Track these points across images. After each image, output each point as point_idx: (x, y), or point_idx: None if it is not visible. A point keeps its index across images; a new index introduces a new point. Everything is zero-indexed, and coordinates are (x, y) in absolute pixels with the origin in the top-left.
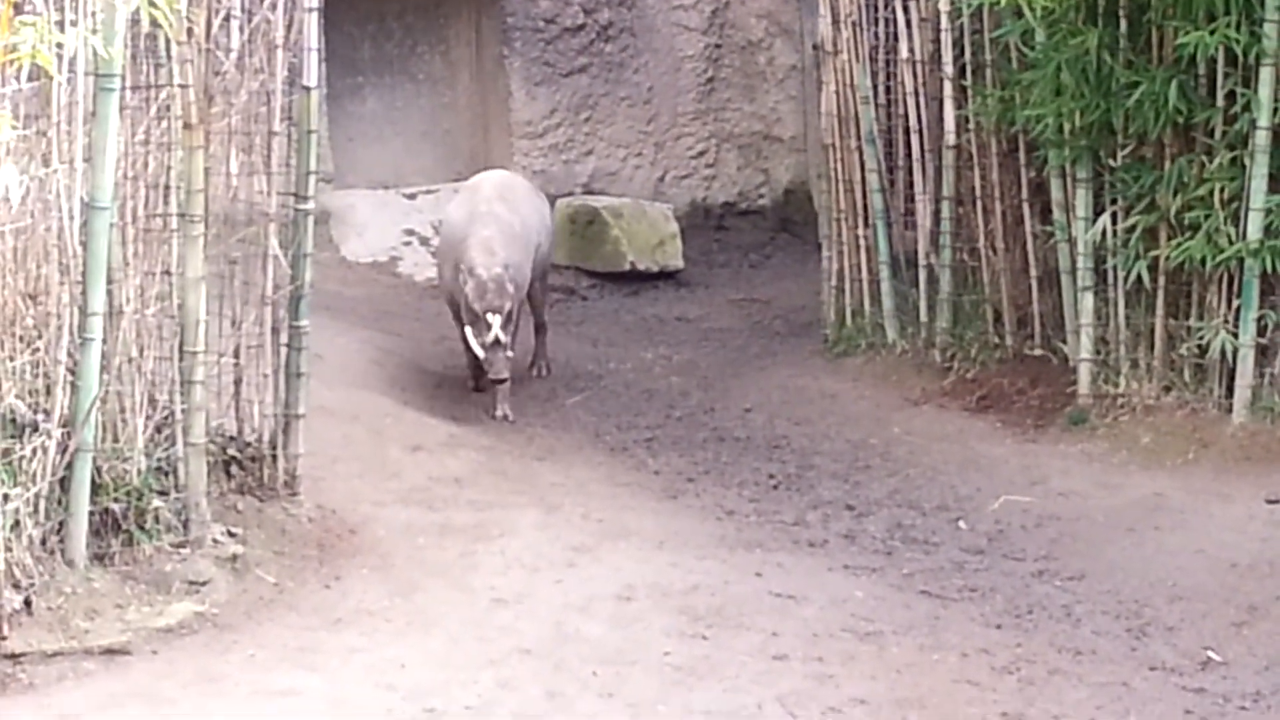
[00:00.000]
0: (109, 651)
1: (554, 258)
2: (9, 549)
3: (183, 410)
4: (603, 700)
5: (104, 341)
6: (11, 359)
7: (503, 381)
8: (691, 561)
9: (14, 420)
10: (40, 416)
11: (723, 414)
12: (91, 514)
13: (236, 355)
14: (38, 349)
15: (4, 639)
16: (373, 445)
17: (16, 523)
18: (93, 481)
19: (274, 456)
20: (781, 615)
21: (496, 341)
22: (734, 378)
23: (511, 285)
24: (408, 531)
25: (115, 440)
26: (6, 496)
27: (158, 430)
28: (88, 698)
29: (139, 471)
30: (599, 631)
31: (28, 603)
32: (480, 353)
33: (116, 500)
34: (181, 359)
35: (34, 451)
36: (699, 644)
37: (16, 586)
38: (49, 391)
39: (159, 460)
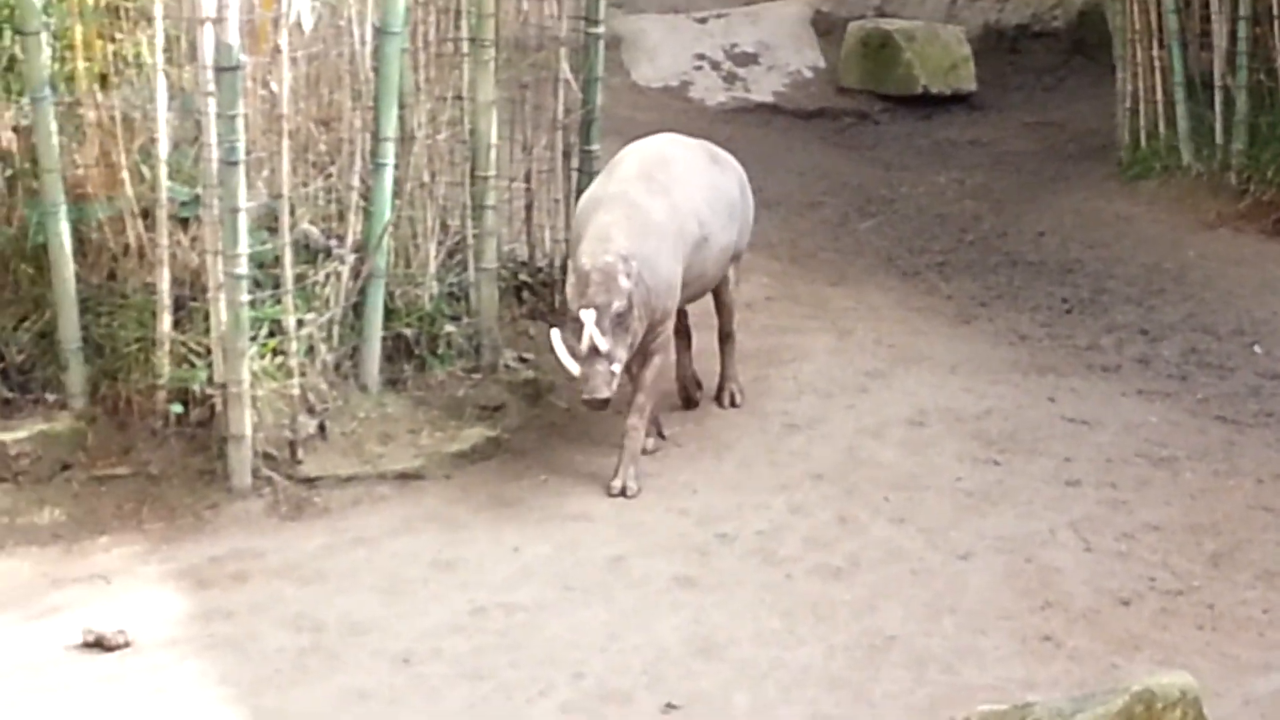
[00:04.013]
0: (402, 476)
1: (848, 86)
2: (303, 374)
3: (474, 235)
4: (895, 525)
5: (396, 167)
6: (305, 185)
7: (599, 404)
8: (984, 386)
9: (308, 246)
10: (334, 242)
11: (1016, 238)
12: (384, 339)
13: (528, 180)
14: (331, 175)
15: (299, 463)
16: None
17: (311, 348)
18: (385, 307)
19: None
20: (1074, 440)
21: (593, 350)
22: (1027, 201)
23: (627, 280)
24: (699, 357)
25: (407, 266)
26: (301, 322)
27: (449, 256)
28: (382, 522)
29: (431, 297)
30: (891, 456)
31: (322, 428)
32: (572, 367)
33: (409, 326)
34: (473, 184)
35: (327, 277)
36: (991, 469)
37: (311, 411)
38: (342, 217)
39: (451, 286)
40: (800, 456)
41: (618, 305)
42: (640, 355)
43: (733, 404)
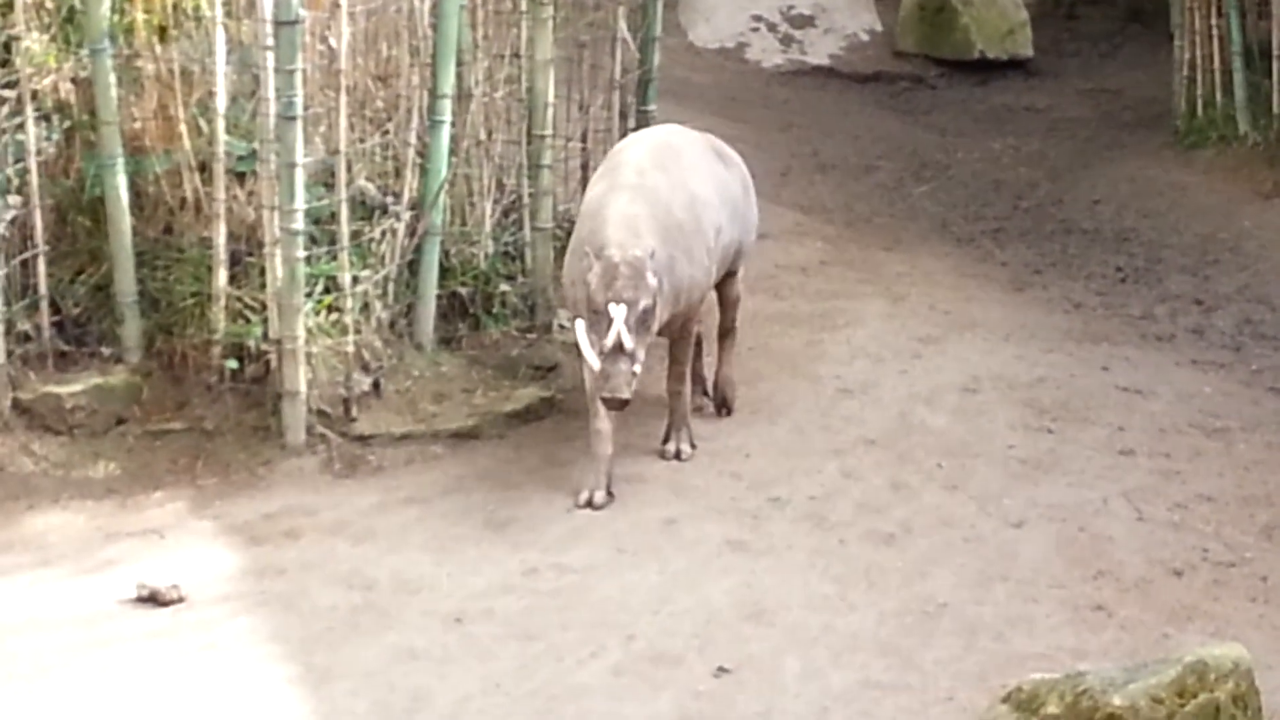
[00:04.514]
0: (456, 435)
1: (905, 49)
2: (358, 331)
3: (530, 194)
4: (946, 492)
5: (453, 124)
6: (362, 141)
7: (619, 404)
8: (1037, 354)
9: (364, 202)
10: (389, 199)
11: (1071, 205)
12: (439, 298)
13: (584, 139)
14: (387, 131)
15: (354, 420)
16: None
17: (366, 305)
18: (440, 265)
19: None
20: (1128, 410)
21: (619, 347)
22: (1082, 169)
23: (654, 277)
24: (754, 320)
25: (463, 224)
26: (356, 279)
27: (505, 214)
28: (435, 481)
29: (486, 256)
30: (943, 423)
31: (376, 385)
32: (594, 361)
33: (464, 284)
34: (529, 143)
35: (383, 234)
36: (1044, 437)
37: (365, 369)
38: (398, 174)
39: (506, 245)
40: (853, 422)
41: (645, 302)
42: (674, 333)
43: (726, 406)
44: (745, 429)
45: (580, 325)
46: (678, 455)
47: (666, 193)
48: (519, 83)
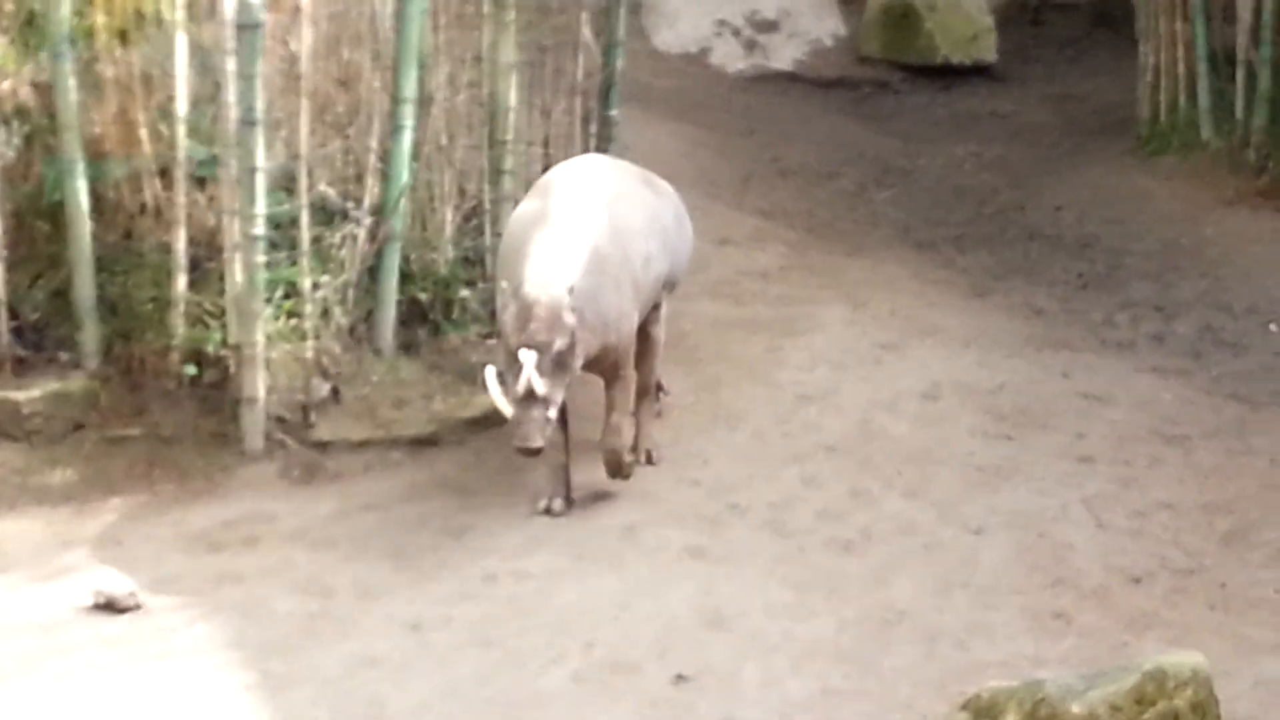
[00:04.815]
0: (415, 442)
1: (869, 55)
2: (318, 337)
3: (491, 200)
4: (907, 499)
5: (414, 129)
6: (323, 146)
7: (531, 452)
8: (998, 361)
9: (324, 208)
10: (350, 204)
11: (1033, 211)
12: (399, 304)
13: (546, 145)
14: (349, 136)
15: (312, 427)
16: None
17: (325, 311)
18: (401, 271)
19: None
20: (1088, 417)
21: (530, 393)
22: (1045, 175)
23: (571, 317)
24: (714, 326)
25: (424, 230)
26: (316, 284)
27: (466, 220)
28: (394, 488)
29: (446, 262)
30: (904, 430)
31: (335, 392)
32: (506, 409)
33: (424, 290)
34: (491, 148)
35: (344, 240)
36: (1004, 444)
37: (325, 375)
38: (359, 180)
39: (467, 250)
40: (813, 428)
41: (560, 344)
42: (606, 373)
43: (648, 459)
44: (705, 435)
45: (490, 371)
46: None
47: (590, 223)
48: (481, 87)
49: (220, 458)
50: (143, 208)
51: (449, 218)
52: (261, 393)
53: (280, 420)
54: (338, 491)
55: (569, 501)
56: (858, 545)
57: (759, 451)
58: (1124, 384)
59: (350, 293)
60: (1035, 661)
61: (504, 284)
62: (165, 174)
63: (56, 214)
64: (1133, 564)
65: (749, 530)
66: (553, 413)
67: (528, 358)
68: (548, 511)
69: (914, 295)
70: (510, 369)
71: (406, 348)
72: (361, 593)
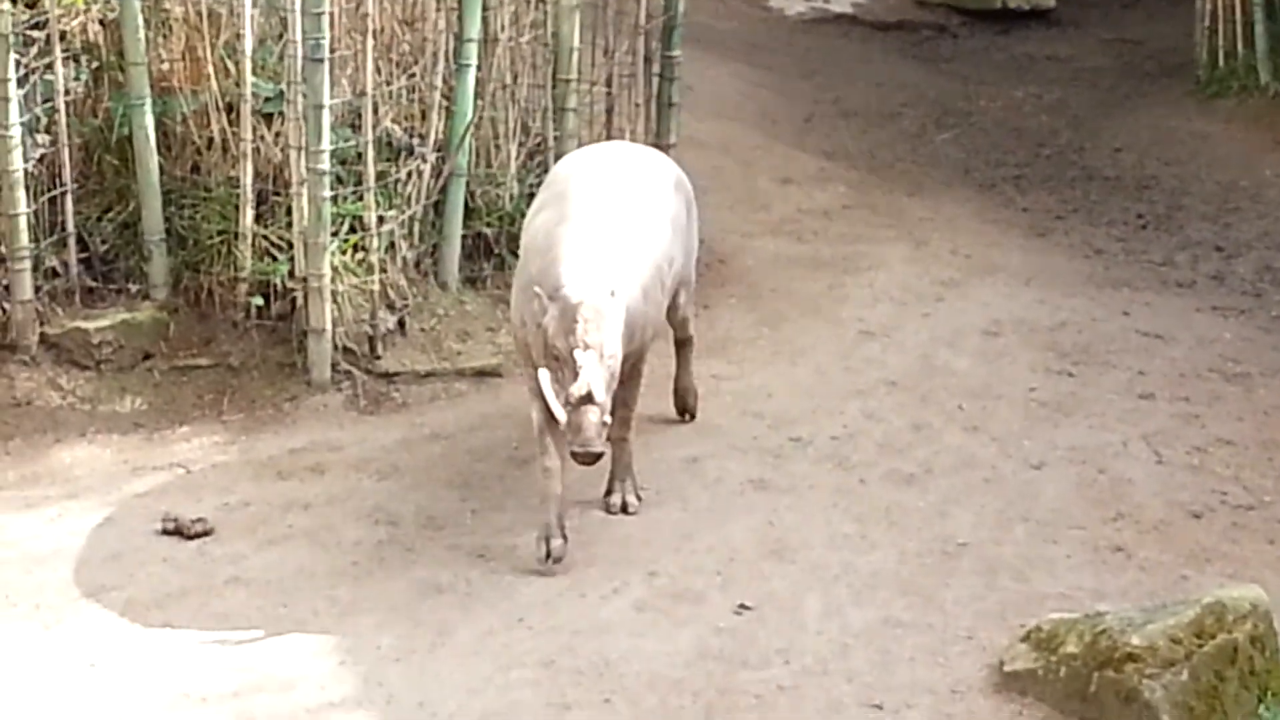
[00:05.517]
0: (480, 373)
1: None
2: (384, 270)
3: (555, 138)
4: (968, 433)
5: (478, 68)
6: (388, 84)
7: (590, 459)
8: (1058, 299)
9: (390, 144)
10: (416, 141)
11: (1092, 153)
12: (464, 238)
13: (609, 84)
14: (414, 74)
15: (378, 358)
16: (742, 177)
17: (391, 245)
18: (466, 206)
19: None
20: (1148, 354)
21: (588, 397)
22: (1104, 117)
23: (619, 317)
24: (776, 263)
25: (488, 166)
26: (382, 219)
27: (530, 157)
28: (459, 418)
29: (511, 197)
30: (965, 365)
31: (401, 324)
32: (559, 412)
33: (489, 225)
34: (554, 86)
35: (409, 175)
36: (1065, 380)
37: (391, 308)
38: (424, 117)
39: (531, 186)
40: (875, 364)
41: (611, 346)
42: (624, 375)
43: (688, 412)
44: (767, 369)
45: (545, 375)
46: (624, 508)
47: (619, 225)
48: (544, 27)
49: (287, 387)
50: (210, 143)
51: (513, 154)
52: (328, 324)
53: (347, 351)
54: (404, 421)
55: (565, 538)
56: (919, 478)
57: (821, 386)
58: (1184, 322)
59: (416, 227)
60: (1095, 594)
61: (536, 289)
62: (232, 110)
63: (125, 148)
64: (1192, 499)
65: (811, 463)
66: (608, 417)
67: (587, 359)
68: (548, 557)
69: (975, 234)
70: (556, 373)
71: (471, 281)
72: (427, 521)
